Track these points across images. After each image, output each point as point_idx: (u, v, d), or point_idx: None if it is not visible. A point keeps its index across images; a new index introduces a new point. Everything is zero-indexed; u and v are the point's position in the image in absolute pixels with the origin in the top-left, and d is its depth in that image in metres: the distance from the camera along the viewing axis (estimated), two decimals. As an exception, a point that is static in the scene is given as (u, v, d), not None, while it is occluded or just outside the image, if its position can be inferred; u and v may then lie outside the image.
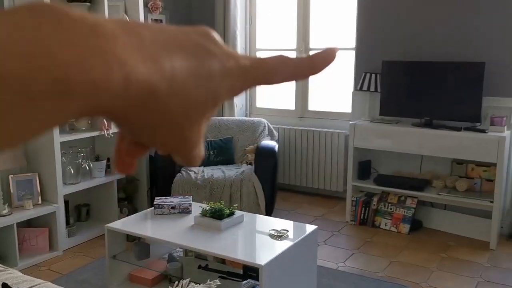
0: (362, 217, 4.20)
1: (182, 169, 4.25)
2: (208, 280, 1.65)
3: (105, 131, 3.85)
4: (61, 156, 3.66)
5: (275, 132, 4.80)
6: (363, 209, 4.20)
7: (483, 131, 3.66)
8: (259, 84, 0.33)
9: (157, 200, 3.10)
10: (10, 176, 3.46)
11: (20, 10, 0.25)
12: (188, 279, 1.40)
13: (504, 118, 3.69)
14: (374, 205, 4.17)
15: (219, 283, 1.46)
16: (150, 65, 0.28)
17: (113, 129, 3.94)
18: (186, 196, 3.20)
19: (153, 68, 0.28)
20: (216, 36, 0.32)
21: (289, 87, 5.16)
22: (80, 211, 4.11)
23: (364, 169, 4.29)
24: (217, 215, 2.83)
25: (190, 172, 4.17)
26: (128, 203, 4.34)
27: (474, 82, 3.75)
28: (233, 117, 4.91)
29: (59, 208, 3.54)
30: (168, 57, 0.29)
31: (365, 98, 4.37)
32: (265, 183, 4.05)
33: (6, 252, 3.33)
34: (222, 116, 5.07)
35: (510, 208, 3.92)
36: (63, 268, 3.34)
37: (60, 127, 3.66)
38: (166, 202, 3.08)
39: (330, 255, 3.55)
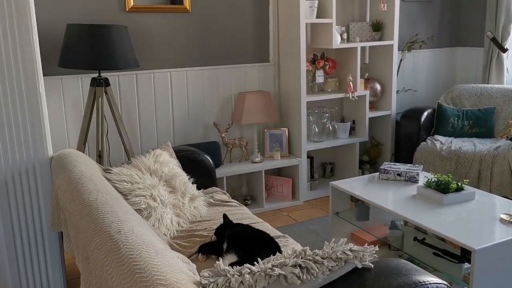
0: None
1: (429, 137, 4.01)
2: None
3: (350, 94, 3.95)
4: (308, 115, 3.95)
5: (554, 104, 3.98)
6: None
7: None
8: None
9: (384, 165, 3.05)
10: (265, 130, 3.95)
11: None
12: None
13: None
14: None
15: (367, 247, 1.39)
16: None
17: (359, 92, 4.00)
18: (417, 165, 3.04)
19: None
20: None
21: None
22: (325, 168, 4.38)
23: None
24: (441, 188, 2.61)
25: (436, 142, 3.89)
26: (371, 166, 4.38)
27: None
28: (499, 85, 4.29)
29: (302, 162, 3.87)
30: None
31: None
32: (525, 162, 3.45)
33: (256, 194, 3.86)
34: (487, 83, 4.49)
35: None
36: (300, 216, 3.67)
37: (308, 87, 3.94)
38: (393, 168, 3.00)
39: None
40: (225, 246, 1.97)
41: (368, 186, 2.94)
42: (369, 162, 4.39)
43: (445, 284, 1.37)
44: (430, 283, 1.34)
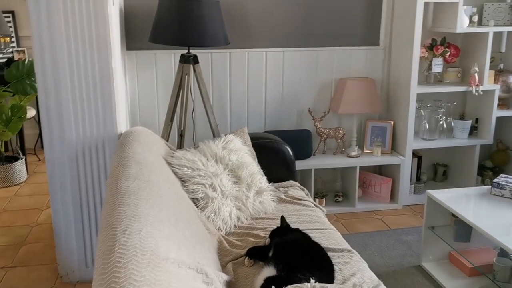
0: None
1: None
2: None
3: (474, 87, 3.34)
4: (419, 108, 3.46)
5: None
6: None
7: None
8: None
9: (500, 178, 2.51)
10: (367, 121, 3.55)
11: None
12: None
13: None
14: None
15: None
16: None
17: (484, 86, 3.37)
18: (544, 183, 2.44)
19: None
20: None
21: None
22: (436, 170, 3.83)
23: None
24: None
25: None
26: (494, 174, 3.72)
27: None
28: None
29: (405, 161, 3.40)
30: None
31: None
32: None
33: (350, 191, 3.51)
34: None
35: None
36: (394, 223, 3.25)
37: (423, 77, 3.44)
38: (509, 182, 2.45)
39: None
40: (270, 254, 1.73)
41: (474, 201, 2.44)
42: (492, 169, 3.73)
43: None
44: None
